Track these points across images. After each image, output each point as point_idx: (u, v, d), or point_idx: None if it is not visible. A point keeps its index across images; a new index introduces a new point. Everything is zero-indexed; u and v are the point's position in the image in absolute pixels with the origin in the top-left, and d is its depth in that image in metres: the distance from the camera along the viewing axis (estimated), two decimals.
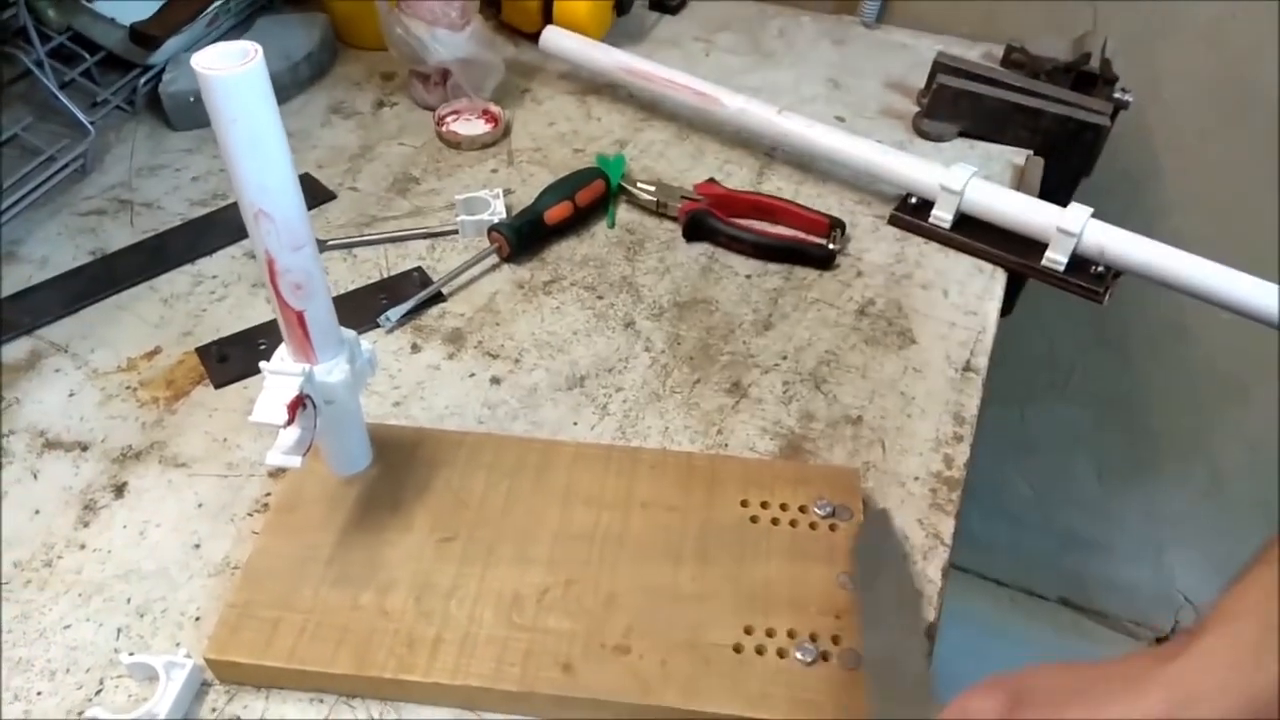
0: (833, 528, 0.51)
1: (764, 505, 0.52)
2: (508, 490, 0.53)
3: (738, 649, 0.46)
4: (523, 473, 0.53)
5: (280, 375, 0.45)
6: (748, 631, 0.47)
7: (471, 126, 0.81)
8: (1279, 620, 0.38)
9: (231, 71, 0.37)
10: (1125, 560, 1.36)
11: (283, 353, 0.47)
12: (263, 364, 0.46)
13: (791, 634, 0.47)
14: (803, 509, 0.52)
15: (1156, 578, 1.35)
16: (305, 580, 0.48)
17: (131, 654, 0.46)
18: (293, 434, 0.45)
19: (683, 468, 0.54)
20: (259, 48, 0.38)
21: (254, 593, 0.48)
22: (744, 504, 0.52)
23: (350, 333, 0.49)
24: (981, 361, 0.64)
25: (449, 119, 0.82)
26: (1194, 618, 1.36)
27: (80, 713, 0.45)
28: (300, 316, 0.44)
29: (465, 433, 0.57)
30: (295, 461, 0.45)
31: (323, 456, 0.52)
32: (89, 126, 0.77)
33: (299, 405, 0.45)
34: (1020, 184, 0.78)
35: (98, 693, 0.47)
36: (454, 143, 0.81)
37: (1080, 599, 1.43)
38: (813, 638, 0.46)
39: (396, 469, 0.53)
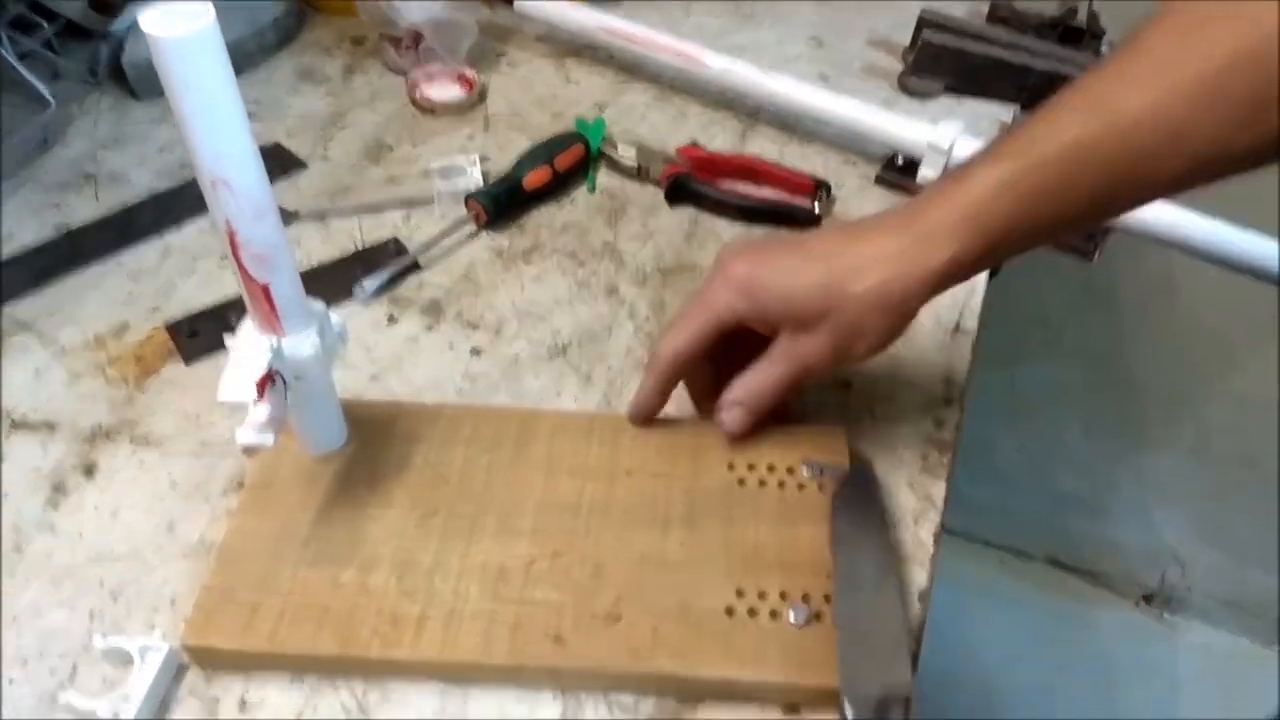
0: (821, 488, 0.51)
1: (751, 468, 0.51)
2: (488, 463, 0.51)
3: (729, 612, 0.45)
4: (503, 445, 0.52)
5: (247, 350, 0.44)
6: (739, 595, 0.46)
7: (446, 92, 0.79)
8: (979, 211, 0.45)
9: (182, 33, 0.35)
10: (1113, 519, 1.37)
11: (248, 327, 0.45)
12: (228, 339, 0.44)
13: (784, 595, 0.46)
14: (790, 470, 0.51)
15: (1144, 536, 1.36)
16: (283, 561, 0.47)
17: (105, 637, 0.45)
18: (263, 411, 0.43)
19: (667, 434, 0.53)
20: (210, 7, 0.36)
21: (230, 576, 0.47)
22: (730, 467, 0.51)
23: (319, 305, 0.47)
24: (971, 323, 0.63)
25: (422, 84, 0.80)
26: (1181, 575, 1.37)
27: (54, 699, 0.44)
28: (265, 289, 0.43)
29: (443, 406, 0.56)
30: (267, 439, 0.43)
31: (296, 435, 0.51)
32: (49, 99, 0.75)
33: (268, 381, 0.43)
34: None
35: (71, 678, 0.45)
36: (428, 109, 0.79)
37: (1068, 558, 1.44)
38: (805, 598, 0.46)
39: (373, 445, 0.52)
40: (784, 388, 0.50)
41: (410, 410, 0.54)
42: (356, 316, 0.63)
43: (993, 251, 0.46)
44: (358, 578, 0.46)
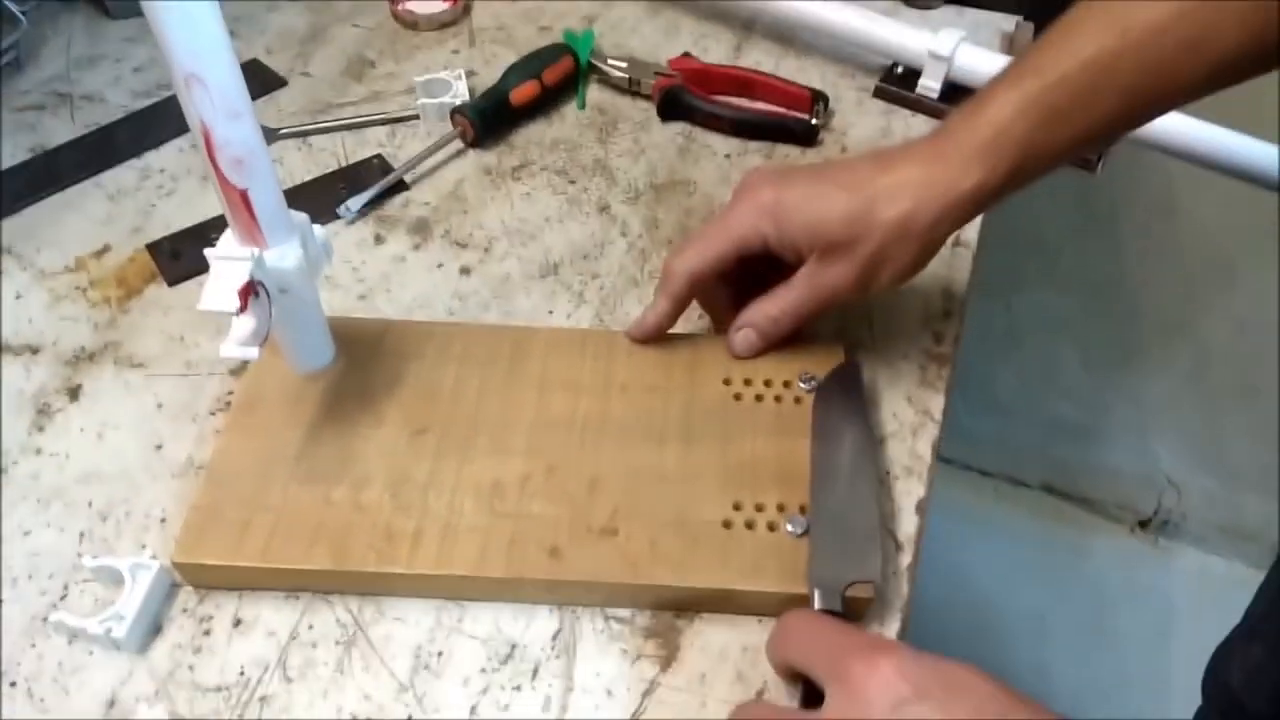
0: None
1: (747, 383, 0.51)
2: (481, 380, 0.50)
3: (727, 525, 0.45)
4: (495, 362, 0.51)
5: (228, 260, 0.42)
6: (736, 508, 0.46)
7: (429, 5, 0.77)
8: (1002, 134, 0.45)
9: None
10: (1109, 446, 1.37)
11: (229, 237, 0.44)
12: (208, 250, 0.43)
13: (781, 507, 0.46)
14: (787, 384, 0.50)
15: (1141, 462, 1.36)
16: (273, 479, 0.46)
17: (95, 557, 0.45)
18: (247, 323, 0.42)
19: (662, 349, 0.52)
20: None
21: (219, 494, 0.46)
22: (727, 382, 0.51)
23: (302, 216, 0.45)
24: (971, 235, 0.62)
25: None
26: (1176, 500, 1.38)
27: (45, 619, 0.44)
28: (244, 196, 0.41)
29: (433, 323, 0.55)
30: (252, 353, 0.42)
31: (282, 352, 0.50)
32: (20, 17, 0.72)
33: (250, 292, 0.42)
34: (1010, 51, 0.74)
35: (62, 598, 0.45)
36: (411, 23, 0.76)
37: (1064, 485, 1.45)
38: (802, 509, 0.45)
39: (362, 363, 0.51)
40: (803, 315, 0.50)
41: (400, 328, 0.53)
42: (342, 236, 0.61)
43: (1019, 173, 0.46)
44: (350, 494, 0.46)
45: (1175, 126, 0.63)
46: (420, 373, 0.51)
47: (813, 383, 0.50)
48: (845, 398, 0.50)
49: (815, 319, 0.51)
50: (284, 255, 0.44)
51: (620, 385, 0.50)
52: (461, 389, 0.50)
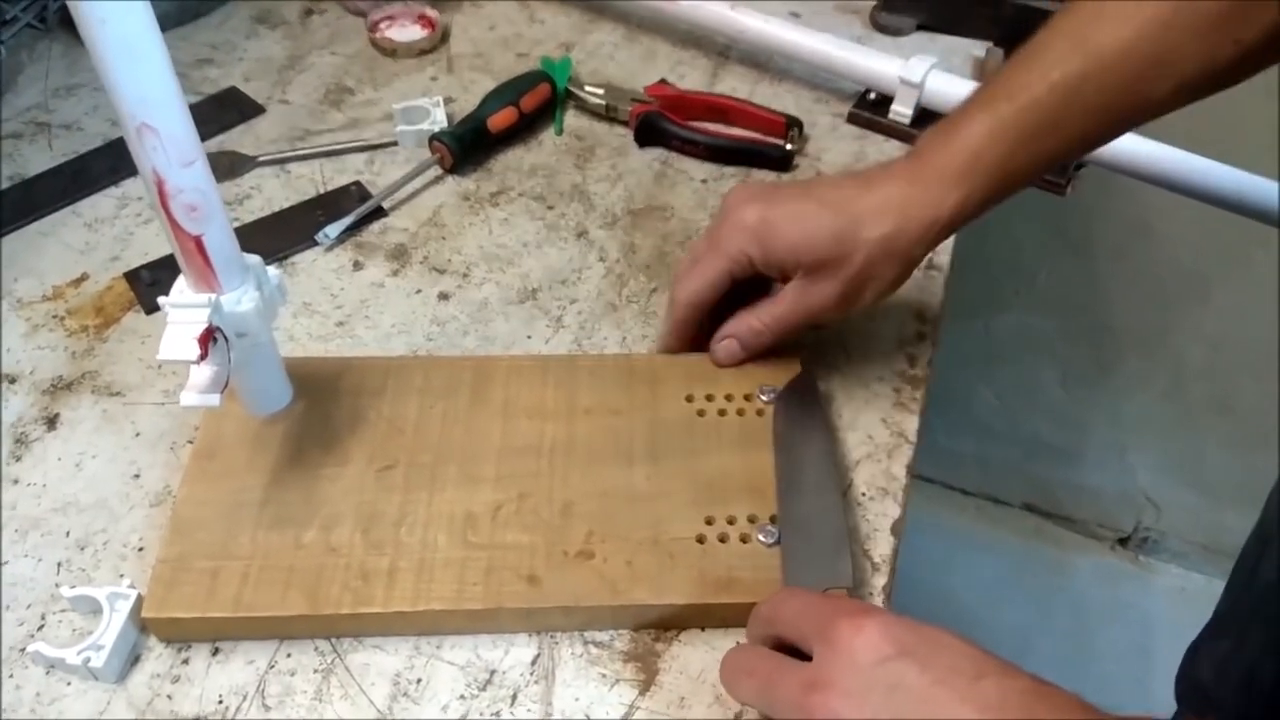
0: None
1: (709, 398, 0.51)
2: (443, 412, 0.50)
3: (700, 540, 0.45)
4: (457, 392, 0.51)
5: (185, 308, 0.41)
6: (708, 522, 0.46)
7: (407, 32, 0.77)
8: (978, 156, 0.46)
9: None
10: (1088, 464, 1.38)
11: (182, 284, 0.43)
12: (162, 299, 0.42)
13: (752, 519, 0.46)
14: (748, 397, 0.51)
15: (1119, 480, 1.37)
16: (240, 526, 0.45)
17: (73, 587, 0.44)
18: (206, 371, 0.41)
19: (623, 370, 0.53)
20: None
21: (185, 545, 0.45)
22: (689, 399, 0.51)
23: (254, 258, 0.44)
24: (944, 259, 0.63)
25: (382, 25, 0.78)
26: (1156, 518, 1.39)
27: (22, 649, 0.44)
28: (198, 242, 0.40)
29: (390, 358, 0.55)
30: (214, 400, 0.41)
31: (239, 396, 0.49)
32: None
33: (209, 338, 0.41)
34: (981, 76, 0.75)
35: (40, 628, 0.45)
36: (389, 50, 0.77)
37: (1044, 504, 1.45)
38: (773, 520, 0.46)
39: (322, 403, 0.50)
40: (787, 329, 0.51)
41: (358, 364, 0.53)
42: (320, 262, 0.61)
43: (994, 193, 0.47)
44: (321, 536, 0.45)
45: (1145, 151, 0.64)
46: (382, 408, 0.50)
47: (772, 394, 0.51)
48: (803, 406, 0.51)
49: (797, 333, 0.52)
50: (240, 299, 0.43)
51: (584, 409, 0.51)
52: (425, 421, 0.50)
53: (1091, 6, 0.46)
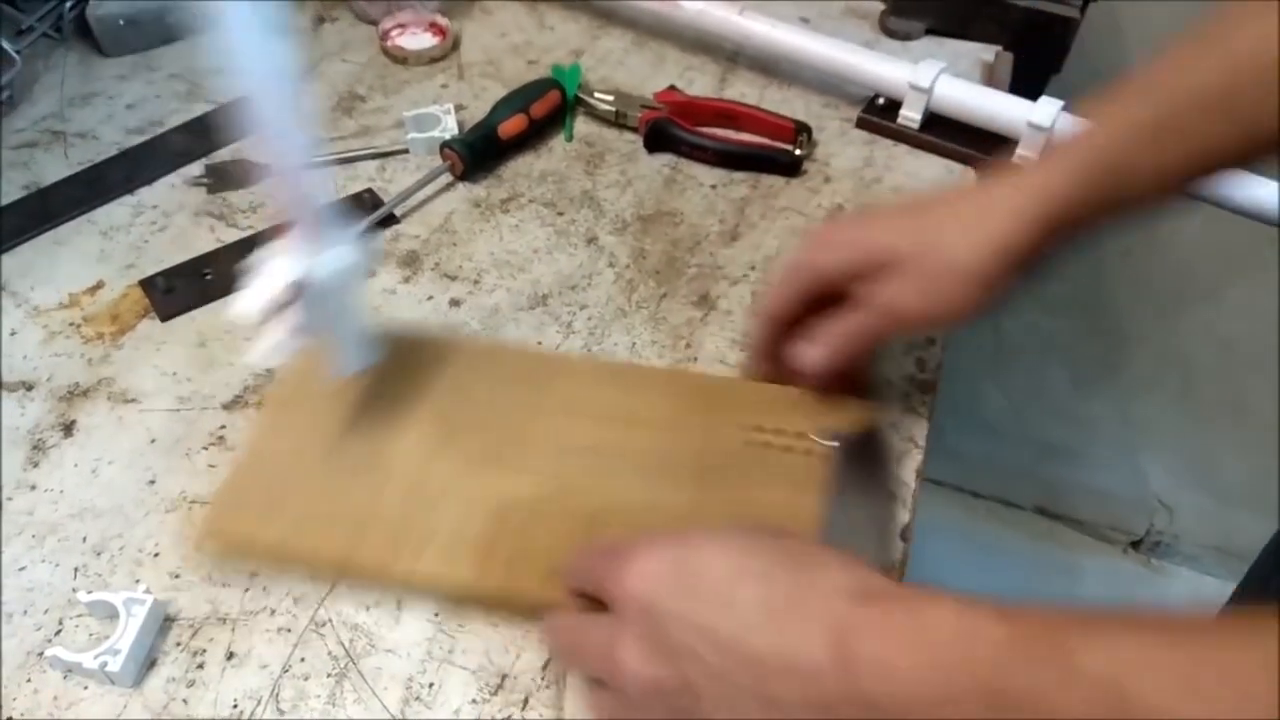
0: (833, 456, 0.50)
1: (768, 431, 0.50)
2: (507, 399, 0.52)
3: None
4: (525, 382, 0.52)
5: (277, 263, 0.44)
6: None
7: (418, 40, 0.78)
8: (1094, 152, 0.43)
9: None
10: (1099, 466, 1.37)
11: (282, 240, 0.45)
12: (259, 250, 0.44)
13: None
14: (803, 436, 0.50)
15: (1131, 482, 1.37)
16: (301, 470, 0.48)
17: (90, 592, 0.45)
18: (287, 323, 0.44)
19: (688, 389, 0.53)
20: None
21: (249, 478, 0.48)
22: (747, 428, 0.51)
23: (352, 225, 0.47)
24: None
25: (394, 33, 0.78)
26: (1168, 521, 1.38)
27: (40, 654, 0.44)
28: (300, 201, 0.43)
29: (469, 339, 0.56)
30: (291, 350, 0.44)
31: (323, 352, 0.51)
32: (15, 56, 0.73)
33: (294, 293, 0.43)
34: (990, 81, 0.75)
35: (57, 633, 0.45)
36: (400, 58, 0.77)
37: (1055, 507, 1.45)
38: None
39: (396, 370, 0.52)
40: (867, 336, 0.49)
41: (436, 341, 0.55)
42: None
43: (1108, 191, 0.45)
44: (369, 494, 0.47)
45: None
46: (450, 385, 0.52)
47: (832, 438, 0.50)
48: (866, 458, 0.50)
49: (880, 343, 0.50)
50: (331, 260, 0.45)
51: (641, 421, 0.51)
52: (489, 404, 0.51)
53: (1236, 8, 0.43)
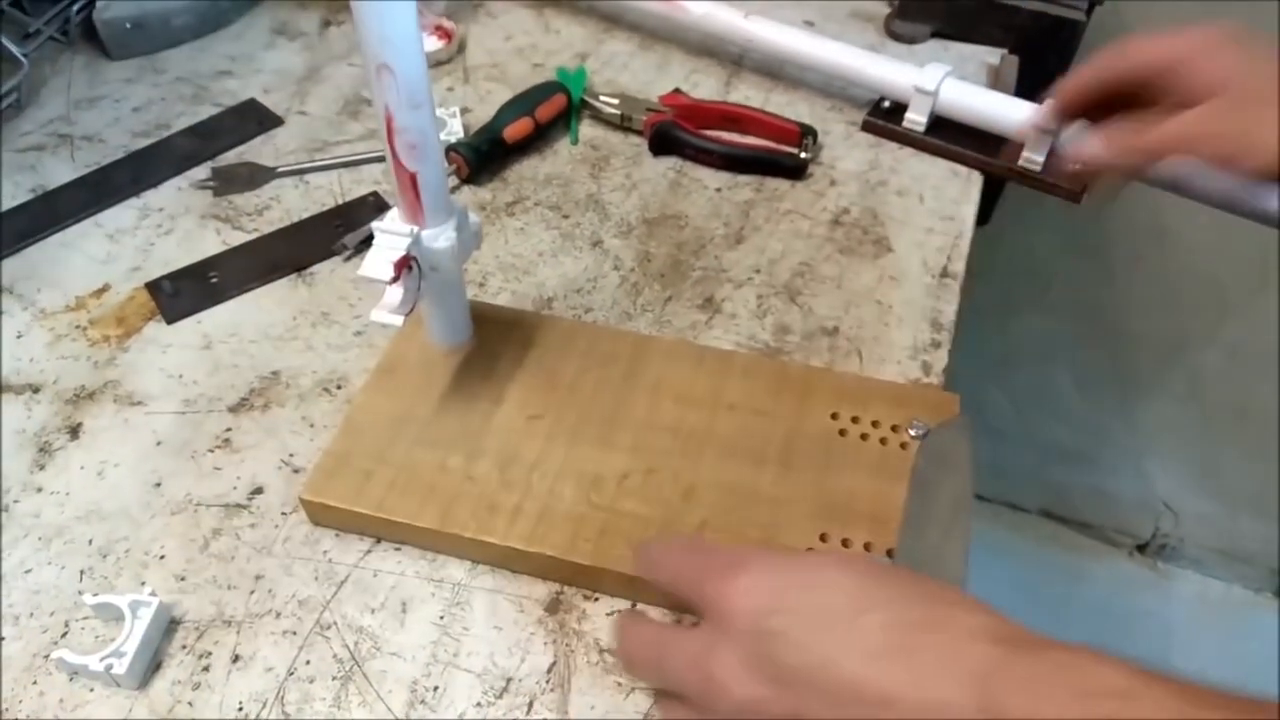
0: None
1: (855, 420, 0.51)
2: (598, 377, 0.53)
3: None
4: (615, 362, 0.53)
5: (389, 235, 0.45)
6: (823, 539, 0.46)
7: (424, 43, 0.78)
8: None
9: None
10: (1106, 470, 1.37)
11: (393, 214, 0.47)
12: (374, 223, 0.46)
13: (868, 546, 0.46)
14: (895, 428, 0.50)
15: (1137, 486, 1.37)
16: (399, 438, 0.50)
17: (96, 595, 0.45)
18: (396, 293, 0.45)
19: (776, 375, 0.53)
20: None
21: (351, 444, 0.49)
22: (834, 416, 0.51)
23: (460, 202, 0.48)
24: (959, 266, 0.63)
25: None
26: (1174, 524, 1.38)
27: (46, 656, 0.44)
28: (413, 178, 0.44)
29: (563, 319, 0.58)
30: (397, 320, 0.46)
31: (426, 325, 0.53)
32: (22, 59, 0.74)
33: (405, 266, 0.45)
34: (996, 84, 0.75)
35: (63, 635, 0.45)
36: None
37: (1062, 510, 1.45)
38: (889, 553, 0.45)
39: (493, 345, 0.54)
40: (1154, 149, 0.45)
41: (532, 318, 0.56)
42: (339, 272, 0.62)
43: None
44: (464, 464, 0.49)
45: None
46: (543, 362, 0.53)
47: (922, 430, 0.50)
48: (949, 451, 0.49)
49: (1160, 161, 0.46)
50: (439, 236, 0.47)
51: (729, 404, 0.52)
52: (579, 382, 0.52)
53: None
